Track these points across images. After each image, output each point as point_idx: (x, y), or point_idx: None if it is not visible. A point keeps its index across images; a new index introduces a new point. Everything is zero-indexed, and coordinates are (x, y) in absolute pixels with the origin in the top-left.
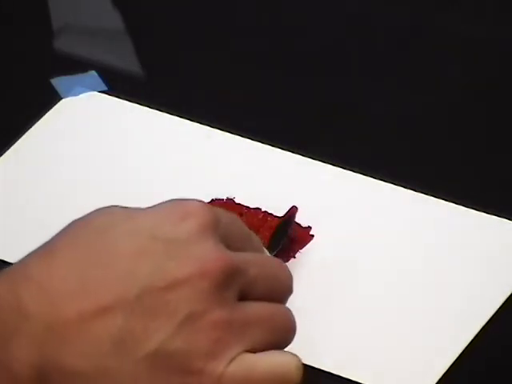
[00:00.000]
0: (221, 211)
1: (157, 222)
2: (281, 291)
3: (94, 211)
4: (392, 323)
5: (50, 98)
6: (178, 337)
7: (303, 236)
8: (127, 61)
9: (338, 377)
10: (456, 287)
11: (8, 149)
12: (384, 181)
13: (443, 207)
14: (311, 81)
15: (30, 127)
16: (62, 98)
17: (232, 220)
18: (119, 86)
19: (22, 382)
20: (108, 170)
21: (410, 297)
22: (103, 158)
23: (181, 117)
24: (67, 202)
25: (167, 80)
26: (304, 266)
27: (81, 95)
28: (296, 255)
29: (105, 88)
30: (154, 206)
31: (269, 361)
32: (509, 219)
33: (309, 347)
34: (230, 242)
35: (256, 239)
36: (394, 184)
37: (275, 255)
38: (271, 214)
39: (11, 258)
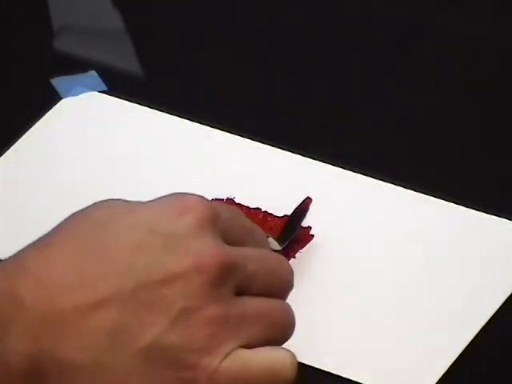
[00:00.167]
0: (221, 206)
1: (155, 216)
2: (280, 287)
3: (93, 204)
4: (392, 323)
5: (50, 98)
6: (172, 331)
7: (303, 236)
8: (127, 61)
9: (338, 377)
10: (456, 287)
11: (8, 149)
12: (384, 181)
13: (443, 207)
14: (311, 81)
15: (30, 127)
16: (62, 98)
17: (233, 214)
18: (119, 85)
19: (17, 372)
20: (108, 169)
21: (410, 297)
22: (103, 157)
23: (181, 117)
24: (67, 201)
25: (167, 80)
26: (304, 266)
27: (81, 95)
28: (296, 255)
29: (105, 88)
30: (154, 199)
31: (264, 356)
32: (509, 219)
33: (309, 347)
34: (230, 237)
35: (259, 233)
36: (394, 184)
37: (285, 246)
38: (271, 214)
39: None
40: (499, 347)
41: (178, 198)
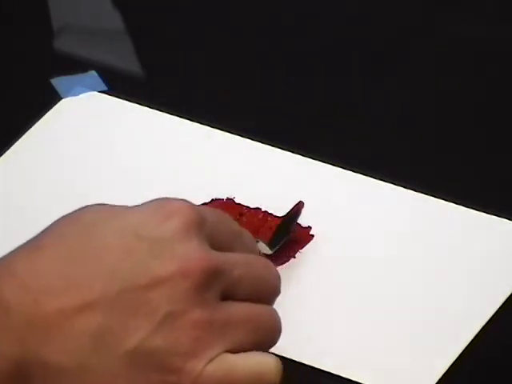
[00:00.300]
0: (207, 210)
1: (142, 221)
2: (267, 292)
3: (81, 208)
4: (392, 323)
5: (50, 98)
6: (158, 335)
7: (303, 236)
8: (127, 61)
9: (338, 377)
10: (456, 287)
11: (8, 149)
12: (384, 181)
13: (443, 207)
14: (311, 81)
15: (30, 127)
16: (62, 98)
17: (219, 219)
18: (119, 85)
19: (2, 374)
20: (108, 169)
21: (410, 297)
22: (103, 157)
23: (181, 117)
24: (67, 201)
25: (167, 80)
26: (304, 266)
27: (81, 95)
28: (296, 255)
29: (105, 88)
30: (140, 204)
31: (248, 361)
32: (509, 219)
33: (309, 347)
34: (216, 241)
35: (247, 238)
36: (394, 184)
37: (277, 252)
38: (271, 214)
39: None
40: (499, 347)
41: (164, 203)
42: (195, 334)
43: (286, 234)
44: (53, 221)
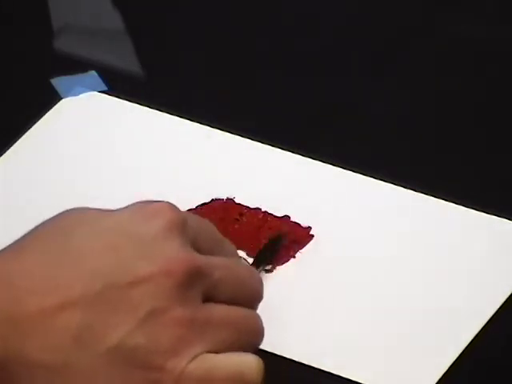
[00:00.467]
0: (190, 215)
1: (124, 221)
2: (248, 296)
3: (64, 211)
4: (392, 323)
5: (50, 98)
6: (139, 333)
7: (303, 236)
8: (127, 61)
9: (338, 377)
10: (456, 287)
11: (8, 149)
12: (384, 181)
13: (443, 207)
14: (311, 81)
15: (30, 127)
16: (62, 98)
17: (202, 225)
18: (119, 85)
19: None
20: (108, 169)
21: (410, 297)
22: (103, 157)
23: (181, 117)
24: (67, 201)
25: (167, 80)
26: (304, 266)
27: (81, 95)
28: (296, 255)
29: (105, 88)
30: (124, 207)
31: (230, 361)
32: (509, 219)
33: (309, 347)
34: (198, 246)
35: (229, 246)
36: (394, 184)
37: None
38: (271, 214)
39: None
40: (499, 347)
41: (147, 204)
42: (177, 332)
43: (272, 256)
44: None
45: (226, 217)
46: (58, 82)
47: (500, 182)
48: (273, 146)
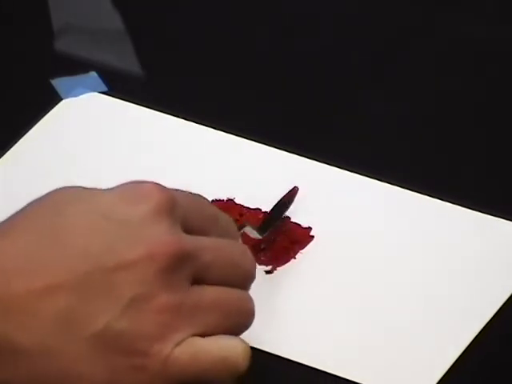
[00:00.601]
0: (181, 194)
1: (112, 203)
2: (240, 277)
3: (50, 191)
4: (392, 323)
5: (51, 99)
6: (124, 318)
7: (303, 236)
8: (127, 61)
9: (338, 377)
10: (456, 287)
11: (8, 150)
12: (384, 181)
13: (443, 207)
14: (311, 81)
15: (31, 128)
16: (62, 99)
17: (193, 202)
18: (119, 86)
19: None
20: (108, 170)
21: (410, 297)
22: (103, 158)
23: (181, 117)
24: None
25: (167, 80)
26: (304, 267)
27: (81, 96)
28: (296, 256)
29: (105, 89)
30: (112, 187)
31: (216, 345)
32: (509, 219)
33: (309, 347)
34: (190, 225)
35: (225, 221)
36: (394, 184)
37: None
38: None
39: None
40: (499, 347)
41: (135, 186)
42: (162, 318)
43: (277, 219)
44: None
45: None
46: (58, 83)
47: (500, 182)
48: (273, 146)
